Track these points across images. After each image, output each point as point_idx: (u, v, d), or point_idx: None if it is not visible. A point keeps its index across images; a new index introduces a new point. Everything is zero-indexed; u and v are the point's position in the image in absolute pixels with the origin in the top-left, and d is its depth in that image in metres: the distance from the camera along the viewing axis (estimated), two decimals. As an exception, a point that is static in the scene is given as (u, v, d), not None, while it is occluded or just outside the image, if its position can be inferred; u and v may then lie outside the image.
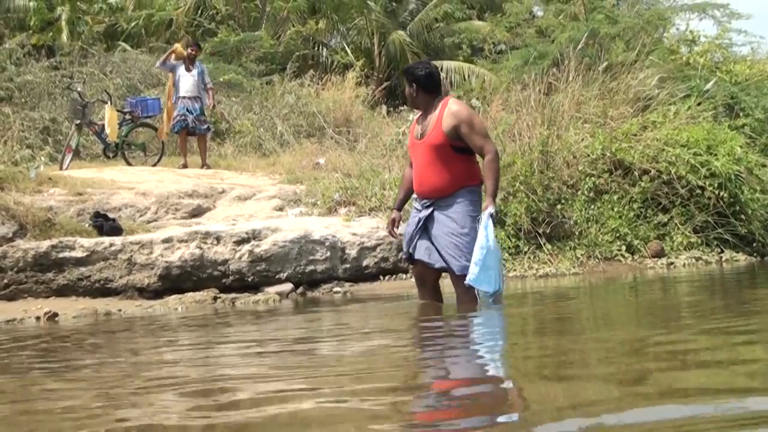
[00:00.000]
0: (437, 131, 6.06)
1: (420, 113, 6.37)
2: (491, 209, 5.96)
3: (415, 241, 6.32)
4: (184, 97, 13.23)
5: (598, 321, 5.91)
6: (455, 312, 6.16)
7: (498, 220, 6.09)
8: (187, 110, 13.20)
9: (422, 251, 6.30)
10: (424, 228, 6.26)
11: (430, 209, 6.21)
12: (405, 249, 6.50)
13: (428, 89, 6.22)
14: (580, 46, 13.29)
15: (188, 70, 13.26)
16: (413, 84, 6.24)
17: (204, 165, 13.37)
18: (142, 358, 5.05)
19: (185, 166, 13.16)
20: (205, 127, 13.55)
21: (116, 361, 4.95)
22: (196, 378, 4.10)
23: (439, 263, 6.27)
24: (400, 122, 14.51)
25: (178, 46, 13.72)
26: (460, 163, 6.12)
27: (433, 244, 6.25)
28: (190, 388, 3.82)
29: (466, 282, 6.03)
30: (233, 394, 3.62)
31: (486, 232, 5.94)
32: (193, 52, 13.43)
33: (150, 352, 5.34)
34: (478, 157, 6.23)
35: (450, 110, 6.05)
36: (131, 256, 8.43)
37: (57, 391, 4.02)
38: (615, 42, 13.95)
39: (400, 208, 6.62)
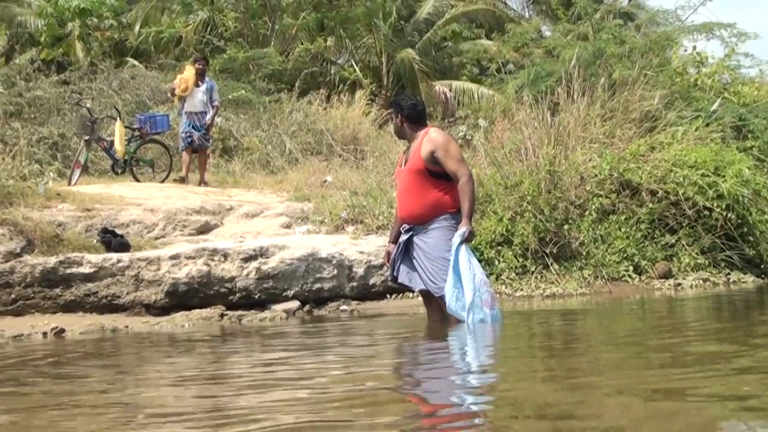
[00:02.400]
0: (416, 157, 6.41)
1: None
2: (463, 229, 6.20)
3: (398, 264, 6.67)
4: (190, 113, 13.23)
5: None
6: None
7: (469, 239, 6.20)
8: (193, 127, 13.21)
9: (404, 275, 6.69)
10: (405, 251, 6.60)
11: (410, 233, 6.53)
12: (390, 272, 6.89)
13: (412, 120, 6.62)
14: (574, 61, 13.21)
15: (197, 85, 13.26)
16: (399, 115, 6.64)
17: (201, 182, 13.34)
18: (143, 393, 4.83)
19: (183, 180, 13.15)
20: (210, 143, 13.58)
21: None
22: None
23: (419, 286, 6.62)
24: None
25: (177, 83, 13.43)
26: (439, 190, 6.39)
27: (414, 267, 6.55)
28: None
29: (436, 296, 6.40)
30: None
31: (454, 250, 6.16)
32: (201, 67, 13.40)
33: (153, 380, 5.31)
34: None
35: (429, 137, 6.42)
36: (138, 272, 8.44)
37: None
38: (621, 61, 13.96)
39: (395, 242, 6.79)
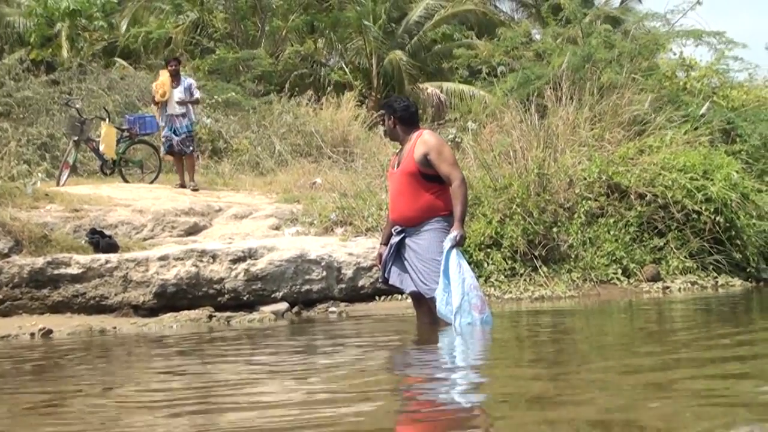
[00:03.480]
0: (409, 160, 6.36)
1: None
2: (454, 233, 6.18)
3: (389, 266, 6.61)
4: (171, 115, 12.98)
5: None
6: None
7: (459, 243, 6.18)
8: (174, 132, 12.96)
9: (395, 277, 6.62)
10: (397, 253, 6.55)
11: (402, 235, 6.48)
12: (381, 273, 6.82)
13: (405, 122, 6.56)
14: (564, 65, 13.25)
15: (173, 86, 12.98)
16: (391, 117, 6.58)
17: (188, 184, 13.06)
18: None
19: (182, 185, 13.06)
20: (191, 149, 13.18)
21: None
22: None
23: (410, 288, 6.56)
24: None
25: (155, 89, 13.21)
26: (431, 193, 6.36)
27: (405, 269, 6.51)
28: None
29: (427, 297, 6.35)
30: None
31: (445, 254, 6.15)
32: (173, 68, 13.08)
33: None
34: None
35: (422, 139, 6.37)
36: (127, 273, 8.41)
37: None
38: (610, 65, 13.98)
39: (386, 243, 6.74)
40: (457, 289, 6.12)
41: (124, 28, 23.63)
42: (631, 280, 9.92)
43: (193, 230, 10.86)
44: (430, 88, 22.72)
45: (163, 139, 13.21)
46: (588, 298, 9.24)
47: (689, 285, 9.96)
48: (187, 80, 13.30)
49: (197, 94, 13.27)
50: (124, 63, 21.35)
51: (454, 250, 6.18)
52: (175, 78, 13.00)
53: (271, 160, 16.14)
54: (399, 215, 6.48)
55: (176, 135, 12.91)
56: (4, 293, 8.14)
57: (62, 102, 16.38)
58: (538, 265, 9.74)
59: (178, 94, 12.93)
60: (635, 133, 11.94)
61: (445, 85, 22.87)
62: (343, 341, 6.74)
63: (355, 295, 9.17)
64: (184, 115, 12.95)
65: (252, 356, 6.02)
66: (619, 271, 9.95)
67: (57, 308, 8.23)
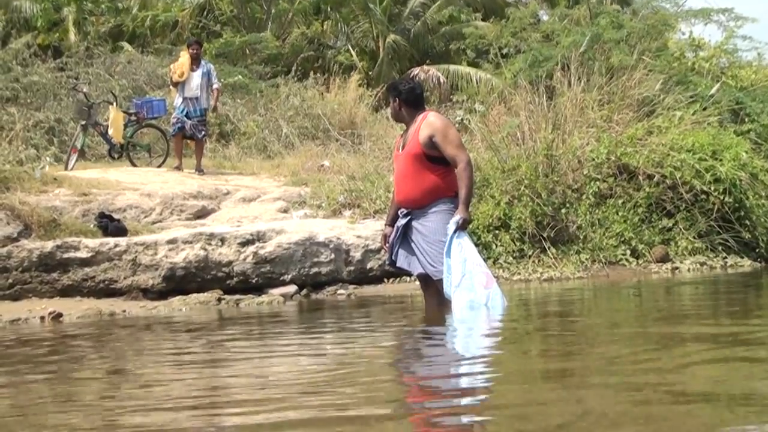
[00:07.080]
0: (414, 141, 6.31)
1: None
2: (458, 216, 6.16)
3: (396, 248, 6.58)
4: (186, 98, 12.95)
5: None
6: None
7: (463, 227, 6.14)
8: (186, 115, 12.91)
9: (402, 259, 6.58)
10: (404, 236, 6.51)
11: (409, 217, 6.45)
12: (388, 256, 6.79)
13: (410, 103, 6.51)
14: (582, 48, 13.25)
15: (193, 69, 13.04)
16: (396, 99, 6.52)
17: (198, 169, 13.01)
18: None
19: (179, 168, 13.01)
20: (203, 134, 13.17)
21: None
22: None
23: (417, 270, 6.53)
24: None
25: (173, 69, 13.13)
26: (437, 175, 6.31)
27: (412, 251, 6.48)
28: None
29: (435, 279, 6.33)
30: None
31: (449, 238, 6.13)
32: (195, 51, 13.03)
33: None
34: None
35: (427, 121, 6.32)
36: (136, 256, 8.43)
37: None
38: (618, 46, 13.92)
39: (392, 224, 6.70)
40: (457, 267, 6.12)
41: (135, 10, 23.56)
42: (640, 261, 9.91)
43: (202, 214, 10.87)
44: (432, 70, 22.56)
45: (173, 120, 13.15)
46: (597, 279, 9.23)
47: (698, 265, 9.94)
48: (207, 65, 13.26)
49: (216, 84, 13.21)
50: (130, 48, 21.31)
51: (458, 233, 6.16)
52: (196, 61, 12.96)
53: (279, 143, 16.12)
54: (404, 197, 6.45)
55: (188, 118, 12.87)
56: (13, 277, 8.17)
57: (69, 86, 16.37)
58: (546, 247, 9.73)
59: (197, 78, 12.88)
60: (644, 114, 11.90)
61: (452, 67, 22.75)
62: (351, 323, 6.75)
63: (363, 277, 9.18)
64: (198, 99, 12.92)
65: (261, 338, 6.04)
66: (628, 252, 9.94)
67: (66, 292, 8.26)
